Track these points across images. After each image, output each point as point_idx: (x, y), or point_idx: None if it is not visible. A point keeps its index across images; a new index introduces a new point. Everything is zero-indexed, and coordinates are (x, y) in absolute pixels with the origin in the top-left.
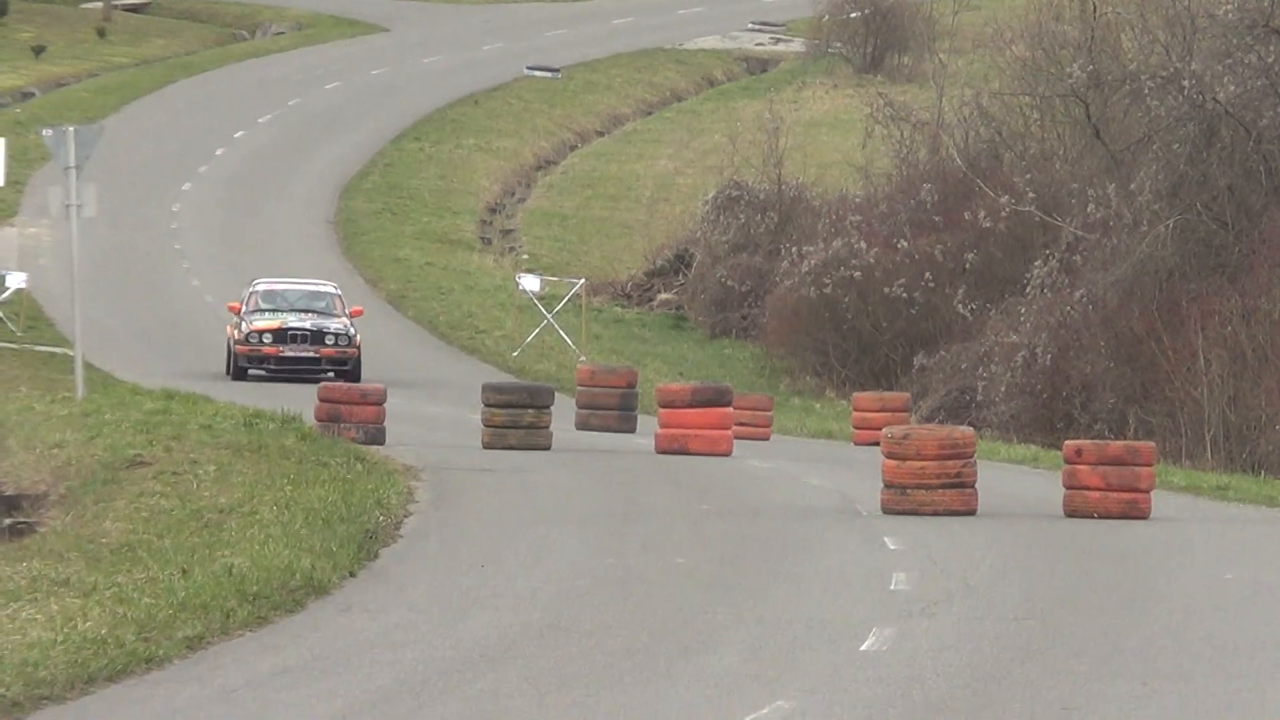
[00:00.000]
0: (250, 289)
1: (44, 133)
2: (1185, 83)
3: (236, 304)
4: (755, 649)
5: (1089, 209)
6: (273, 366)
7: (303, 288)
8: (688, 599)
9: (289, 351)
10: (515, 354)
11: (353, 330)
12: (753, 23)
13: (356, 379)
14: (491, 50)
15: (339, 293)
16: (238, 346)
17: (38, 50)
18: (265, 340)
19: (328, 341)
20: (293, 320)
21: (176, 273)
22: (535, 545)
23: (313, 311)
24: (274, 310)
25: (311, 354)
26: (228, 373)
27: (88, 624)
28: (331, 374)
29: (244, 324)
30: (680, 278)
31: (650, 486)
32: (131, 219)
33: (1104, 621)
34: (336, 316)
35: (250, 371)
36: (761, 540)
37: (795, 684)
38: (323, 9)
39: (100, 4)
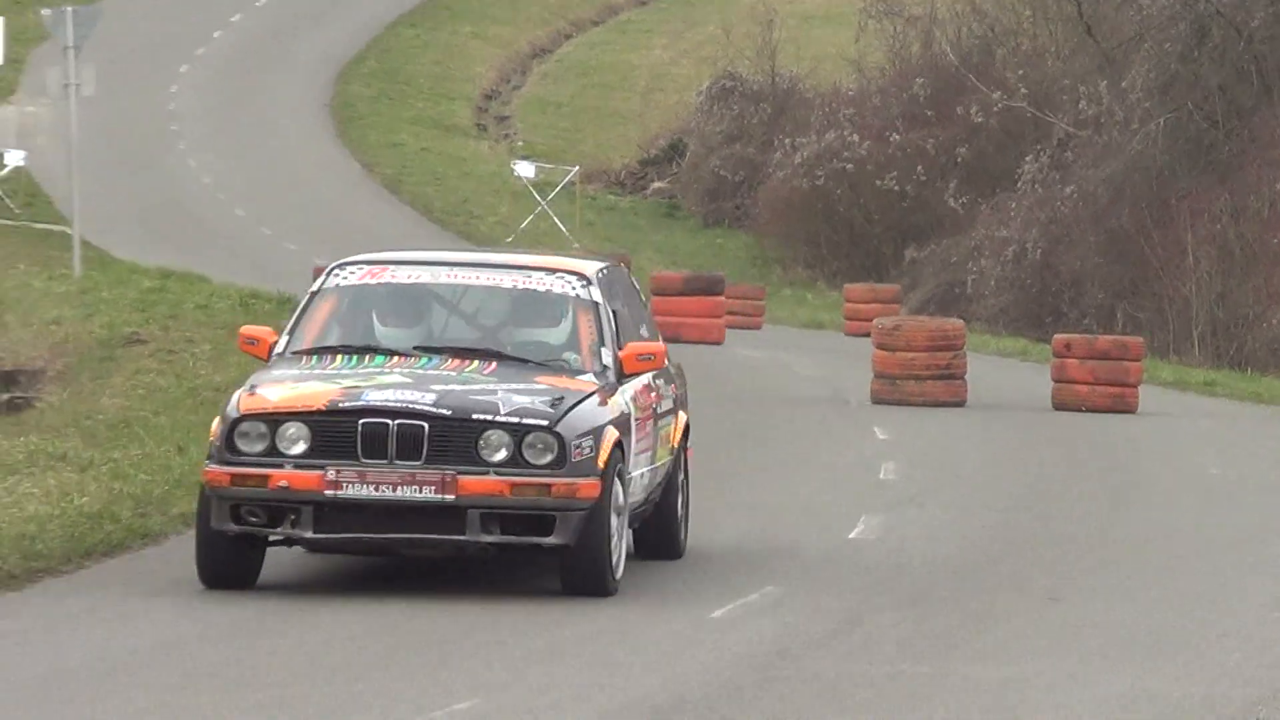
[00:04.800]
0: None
1: (43, 12)
2: None
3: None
4: (746, 535)
5: (1080, 106)
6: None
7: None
8: None
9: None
10: (509, 239)
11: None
12: None
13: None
14: None
15: (585, 294)
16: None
17: None
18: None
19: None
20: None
21: (174, 154)
22: None
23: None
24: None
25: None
26: None
27: (84, 499)
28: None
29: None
30: (674, 167)
31: None
32: (129, 99)
33: (1091, 514)
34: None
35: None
36: (753, 428)
37: (785, 570)
38: None
39: None
